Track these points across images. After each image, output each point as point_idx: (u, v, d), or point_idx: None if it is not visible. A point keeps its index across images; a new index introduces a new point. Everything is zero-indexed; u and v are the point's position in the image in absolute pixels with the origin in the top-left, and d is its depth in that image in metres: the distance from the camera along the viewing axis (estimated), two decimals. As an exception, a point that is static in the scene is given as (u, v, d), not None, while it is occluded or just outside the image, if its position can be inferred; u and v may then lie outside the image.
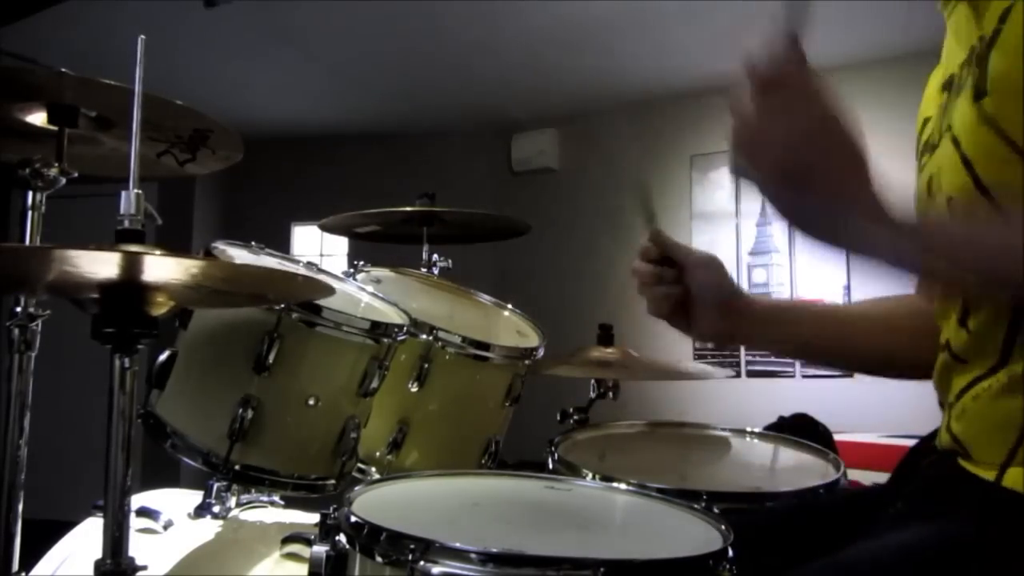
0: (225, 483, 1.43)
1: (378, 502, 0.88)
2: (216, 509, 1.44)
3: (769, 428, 1.48)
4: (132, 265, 0.89)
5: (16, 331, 1.36)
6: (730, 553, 0.76)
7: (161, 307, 0.97)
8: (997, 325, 0.77)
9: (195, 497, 1.47)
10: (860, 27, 3.78)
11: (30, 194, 1.36)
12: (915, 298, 1.12)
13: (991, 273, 0.71)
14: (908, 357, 1.09)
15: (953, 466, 0.82)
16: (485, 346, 1.56)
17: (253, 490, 1.50)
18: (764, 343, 1.13)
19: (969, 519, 0.74)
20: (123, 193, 0.95)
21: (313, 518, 1.34)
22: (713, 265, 1.06)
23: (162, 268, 0.93)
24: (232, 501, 1.46)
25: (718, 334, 1.07)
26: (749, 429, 1.39)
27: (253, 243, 1.49)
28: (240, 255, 1.43)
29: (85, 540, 1.44)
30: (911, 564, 0.72)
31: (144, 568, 0.96)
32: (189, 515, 1.44)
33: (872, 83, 4.15)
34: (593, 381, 1.88)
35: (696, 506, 0.92)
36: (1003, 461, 0.74)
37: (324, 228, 2.40)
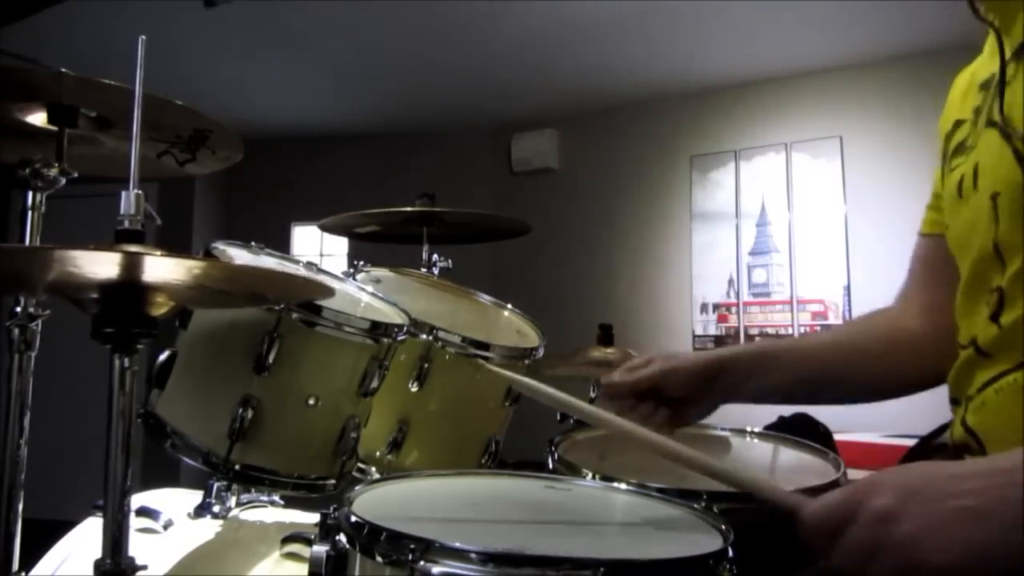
0: (225, 483, 1.43)
1: (378, 502, 0.88)
2: (216, 509, 1.44)
3: (769, 428, 1.48)
4: (132, 265, 0.88)
5: (16, 331, 1.36)
6: (730, 553, 0.76)
7: (161, 307, 0.97)
8: None
9: (195, 497, 1.47)
10: (863, 27, 3.78)
11: (30, 194, 1.35)
12: (897, 312, 1.12)
13: None
14: (892, 378, 1.10)
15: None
16: (485, 346, 1.56)
17: (253, 490, 1.50)
18: (750, 397, 1.15)
19: None
20: (123, 193, 0.95)
21: (313, 518, 1.34)
22: (674, 363, 1.09)
23: (162, 268, 0.93)
24: (232, 501, 1.46)
25: (714, 406, 1.13)
26: (749, 429, 1.38)
27: (253, 243, 1.49)
28: (240, 255, 1.42)
29: (85, 540, 1.44)
30: None
31: (144, 568, 0.96)
32: (189, 515, 1.44)
33: (877, 82, 4.15)
34: (593, 381, 1.88)
35: (696, 506, 0.92)
36: None
37: (324, 228, 2.40)
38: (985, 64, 0.91)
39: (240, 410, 1.24)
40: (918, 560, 0.63)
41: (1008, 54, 0.83)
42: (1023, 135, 0.78)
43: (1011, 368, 0.79)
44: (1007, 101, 0.82)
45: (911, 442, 1.11)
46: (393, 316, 1.44)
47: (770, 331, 4.32)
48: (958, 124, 0.95)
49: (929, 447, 1.05)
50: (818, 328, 4.18)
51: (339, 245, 5.20)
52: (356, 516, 0.77)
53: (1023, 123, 0.78)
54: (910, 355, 1.07)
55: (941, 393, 0.96)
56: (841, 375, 1.12)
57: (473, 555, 0.69)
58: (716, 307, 4.48)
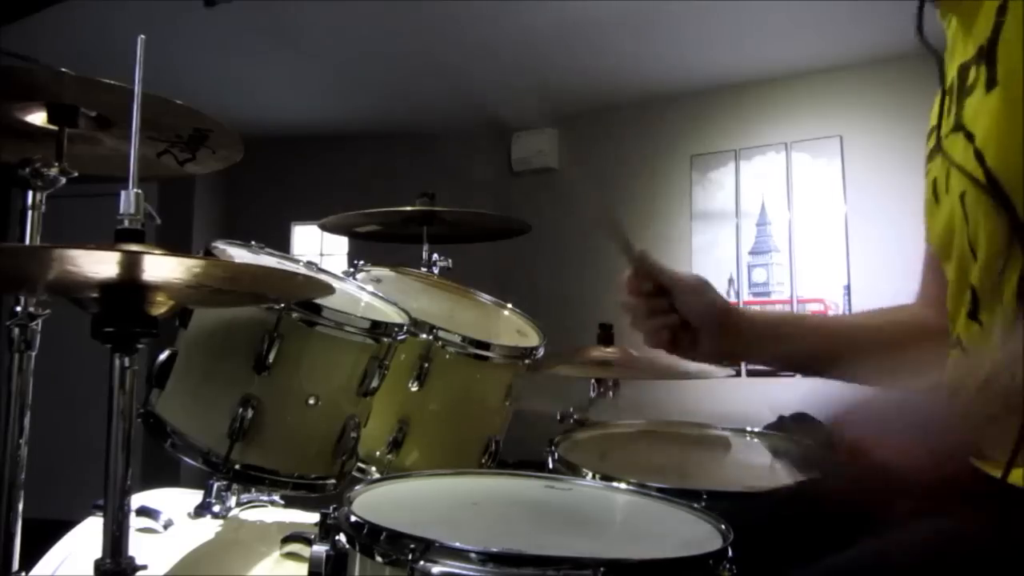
0: (225, 482, 1.43)
1: (378, 502, 0.88)
2: (216, 508, 1.44)
3: (769, 428, 1.48)
4: (132, 264, 0.88)
5: (16, 331, 1.36)
6: (730, 553, 0.76)
7: (161, 307, 0.97)
8: (1009, 316, 0.78)
9: (195, 496, 1.47)
10: (863, 27, 3.78)
11: (30, 194, 1.35)
12: (915, 307, 1.12)
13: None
14: (911, 367, 1.10)
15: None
16: (485, 345, 1.56)
17: (253, 489, 1.50)
18: (764, 359, 1.13)
19: (978, 517, 0.74)
20: (123, 193, 0.95)
21: (313, 518, 1.34)
22: (702, 287, 1.05)
23: (162, 267, 0.93)
24: (232, 500, 1.47)
25: (718, 355, 1.08)
26: (749, 429, 1.38)
27: (253, 243, 1.49)
28: (240, 254, 1.42)
29: (85, 540, 1.44)
30: (919, 562, 0.72)
31: (144, 568, 0.96)
32: (189, 514, 1.44)
33: (877, 82, 4.15)
34: (593, 381, 1.88)
35: (696, 506, 0.92)
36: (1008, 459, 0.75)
37: (324, 228, 2.40)
38: (951, 69, 0.92)
39: (240, 410, 1.24)
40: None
41: (970, 55, 0.84)
42: (982, 139, 0.80)
43: None
44: (967, 108, 0.84)
45: (911, 442, 1.11)
46: (393, 316, 1.44)
47: (770, 331, 4.32)
48: (931, 131, 0.96)
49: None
50: (818, 328, 4.17)
51: (339, 245, 5.20)
52: (356, 516, 0.77)
53: (982, 128, 0.80)
54: (914, 347, 1.07)
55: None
56: (850, 356, 1.12)
57: (473, 555, 0.69)
58: (716, 307, 4.48)
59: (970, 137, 0.82)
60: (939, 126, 0.91)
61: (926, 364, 1.08)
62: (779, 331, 1.12)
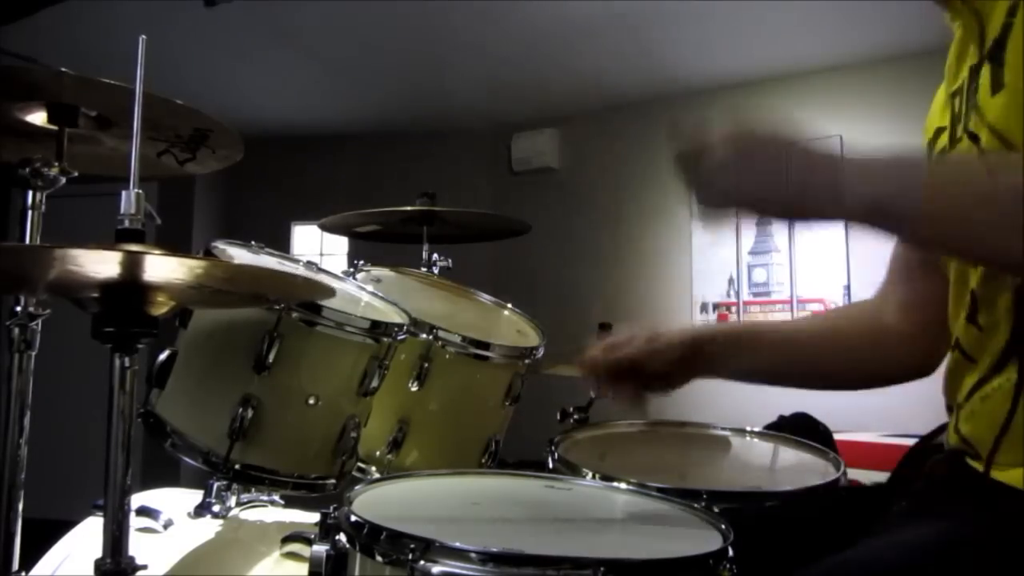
0: (225, 482, 1.43)
1: (378, 501, 0.88)
2: (216, 508, 1.44)
3: (769, 428, 1.48)
4: (133, 264, 0.88)
5: (16, 330, 1.36)
6: (730, 553, 0.76)
7: (161, 307, 0.97)
8: (1006, 318, 0.77)
9: (195, 496, 1.47)
10: (863, 27, 3.78)
11: (30, 194, 1.35)
12: (874, 306, 1.12)
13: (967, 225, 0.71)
14: (867, 370, 1.11)
15: (961, 465, 0.82)
16: (485, 345, 1.56)
17: (253, 489, 1.50)
18: (725, 374, 1.16)
19: (976, 518, 0.74)
20: (123, 193, 0.95)
21: (313, 517, 1.33)
22: (658, 341, 1.10)
23: (163, 268, 0.93)
24: (232, 500, 1.47)
25: (688, 381, 1.14)
26: (749, 429, 1.38)
27: (253, 243, 1.49)
28: (240, 255, 1.43)
29: (85, 540, 1.44)
30: (918, 563, 0.72)
31: (144, 567, 0.96)
32: (189, 514, 1.44)
33: (877, 82, 4.15)
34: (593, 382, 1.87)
35: (696, 506, 0.92)
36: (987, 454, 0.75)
37: (324, 228, 2.40)
38: (952, 74, 0.92)
39: (240, 410, 1.24)
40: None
41: (978, 57, 0.84)
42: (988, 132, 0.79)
43: (993, 373, 0.80)
44: (973, 112, 0.83)
45: (911, 442, 1.12)
46: (393, 316, 1.44)
47: (770, 331, 4.33)
48: (939, 131, 0.96)
49: (929, 447, 1.05)
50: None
51: (339, 244, 5.20)
52: (356, 516, 0.77)
53: (986, 131, 0.79)
54: (886, 350, 1.08)
55: (940, 393, 0.96)
56: (817, 363, 1.14)
57: (473, 555, 0.69)
58: (716, 307, 4.48)
59: (974, 139, 0.81)
60: (950, 129, 0.90)
61: (880, 367, 1.09)
62: (739, 347, 1.15)
